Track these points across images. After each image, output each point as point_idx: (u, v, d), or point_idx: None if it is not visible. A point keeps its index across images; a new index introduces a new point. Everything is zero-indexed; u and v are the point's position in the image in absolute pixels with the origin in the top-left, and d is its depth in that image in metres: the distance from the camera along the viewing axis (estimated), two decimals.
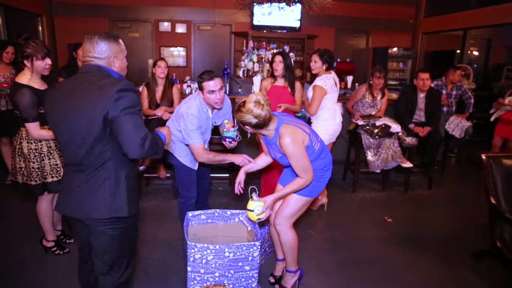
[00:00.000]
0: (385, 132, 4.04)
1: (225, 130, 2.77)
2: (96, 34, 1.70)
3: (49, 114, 1.76)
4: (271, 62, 3.59)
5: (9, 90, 4.00)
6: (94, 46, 1.68)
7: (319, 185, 2.36)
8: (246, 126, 2.13)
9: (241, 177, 2.45)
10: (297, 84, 3.58)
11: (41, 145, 2.60)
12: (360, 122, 4.15)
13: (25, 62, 2.42)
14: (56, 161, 2.64)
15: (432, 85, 4.73)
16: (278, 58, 3.48)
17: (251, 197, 2.21)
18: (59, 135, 1.74)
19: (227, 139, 2.76)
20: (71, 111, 1.65)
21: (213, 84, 2.53)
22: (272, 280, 2.64)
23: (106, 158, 1.68)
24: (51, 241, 2.87)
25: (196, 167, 2.90)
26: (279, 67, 3.48)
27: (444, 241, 3.35)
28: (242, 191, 2.44)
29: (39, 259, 2.82)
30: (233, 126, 2.77)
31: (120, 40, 1.78)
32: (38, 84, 2.49)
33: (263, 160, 2.53)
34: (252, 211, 2.17)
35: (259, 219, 2.20)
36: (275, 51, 6.68)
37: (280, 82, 3.56)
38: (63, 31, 7.63)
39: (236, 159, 2.65)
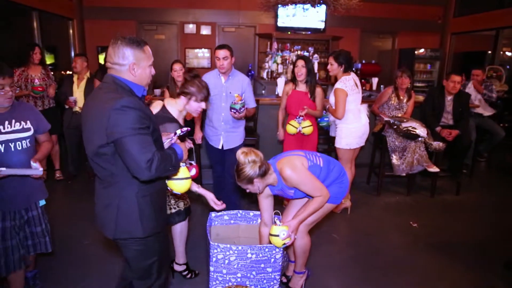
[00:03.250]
0: (410, 132, 3.94)
1: (233, 102, 3.16)
2: (120, 38, 1.60)
3: None
4: (293, 67, 3.59)
5: (43, 93, 4.21)
6: (115, 51, 1.59)
7: (342, 190, 2.39)
8: (256, 182, 2.13)
9: None
10: (318, 90, 3.57)
11: None
12: (386, 118, 4.06)
13: (182, 96, 2.29)
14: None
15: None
16: (301, 63, 3.47)
17: (274, 222, 2.20)
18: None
19: (232, 110, 3.15)
20: (85, 124, 1.62)
21: (218, 53, 3.16)
22: (285, 280, 2.67)
23: (114, 177, 1.60)
24: (182, 264, 2.73)
25: (218, 146, 3.39)
26: (301, 71, 3.47)
27: (473, 248, 3.24)
28: None
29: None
30: (240, 100, 3.15)
31: (146, 47, 1.64)
32: (181, 120, 2.37)
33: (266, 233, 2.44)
34: (277, 236, 2.15)
35: (284, 244, 2.19)
36: (299, 52, 6.65)
37: (302, 87, 3.57)
38: (93, 34, 7.88)
39: (198, 133, 3.65)
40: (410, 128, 3.93)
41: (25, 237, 2.21)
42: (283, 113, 3.76)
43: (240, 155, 2.11)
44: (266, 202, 2.37)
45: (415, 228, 3.58)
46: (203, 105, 2.32)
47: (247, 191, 2.23)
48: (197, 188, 2.35)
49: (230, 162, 3.35)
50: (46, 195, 2.29)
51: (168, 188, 1.82)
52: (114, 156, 1.55)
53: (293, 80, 3.62)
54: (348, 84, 3.44)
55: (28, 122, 2.15)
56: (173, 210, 2.50)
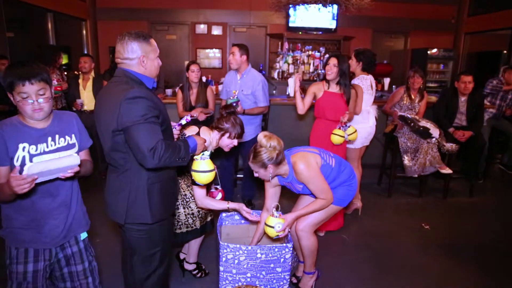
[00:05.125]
0: (424, 130, 3.89)
1: (229, 98, 3.44)
2: (126, 34, 1.64)
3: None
4: (324, 64, 3.27)
5: (60, 93, 4.37)
6: (124, 47, 1.64)
7: (350, 193, 2.40)
8: (269, 168, 2.13)
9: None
10: (353, 92, 3.24)
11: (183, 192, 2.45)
12: (400, 113, 4.02)
13: (217, 131, 2.28)
14: (192, 210, 2.44)
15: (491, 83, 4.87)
16: (333, 61, 3.12)
17: (272, 213, 2.22)
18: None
19: None
20: (98, 117, 1.69)
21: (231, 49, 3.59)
22: (295, 281, 2.67)
23: (127, 165, 1.66)
24: (192, 263, 2.73)
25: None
26: (332, 71, 3.12)
27: (486, 252, 3.18)
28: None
29: None
30: (235, 96, 3.44)
31: (152, 40, 1.71)
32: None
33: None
34: (272, 227, 2.18)
35: (277, 235, 2.22)
36: (310, 53, 6.62)
37: (334, 88, 3.20)
38: (105, 35, 7.98)
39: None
40: (424, 127, 3.89)
41: (62, 278, 1.83)
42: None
43: (262, 138, 2.11)
44: (272, 191, 2.40)
45: (427, 230, 3.54)
46: (235, 142, 2.32)
47: (256, 175, 2.23)
48: (227, 205, 2.37)
49: (245, 155, 3.46)
50: (87, 226, 1.87)
51: (191, 178, 1.88)
52: (125, 145, 1.61)
53: (324, 79, 3.25)
54: (365, 83, 3.46)
55: (73, 136, 1.72)
56: (189, 229, 2.43)
